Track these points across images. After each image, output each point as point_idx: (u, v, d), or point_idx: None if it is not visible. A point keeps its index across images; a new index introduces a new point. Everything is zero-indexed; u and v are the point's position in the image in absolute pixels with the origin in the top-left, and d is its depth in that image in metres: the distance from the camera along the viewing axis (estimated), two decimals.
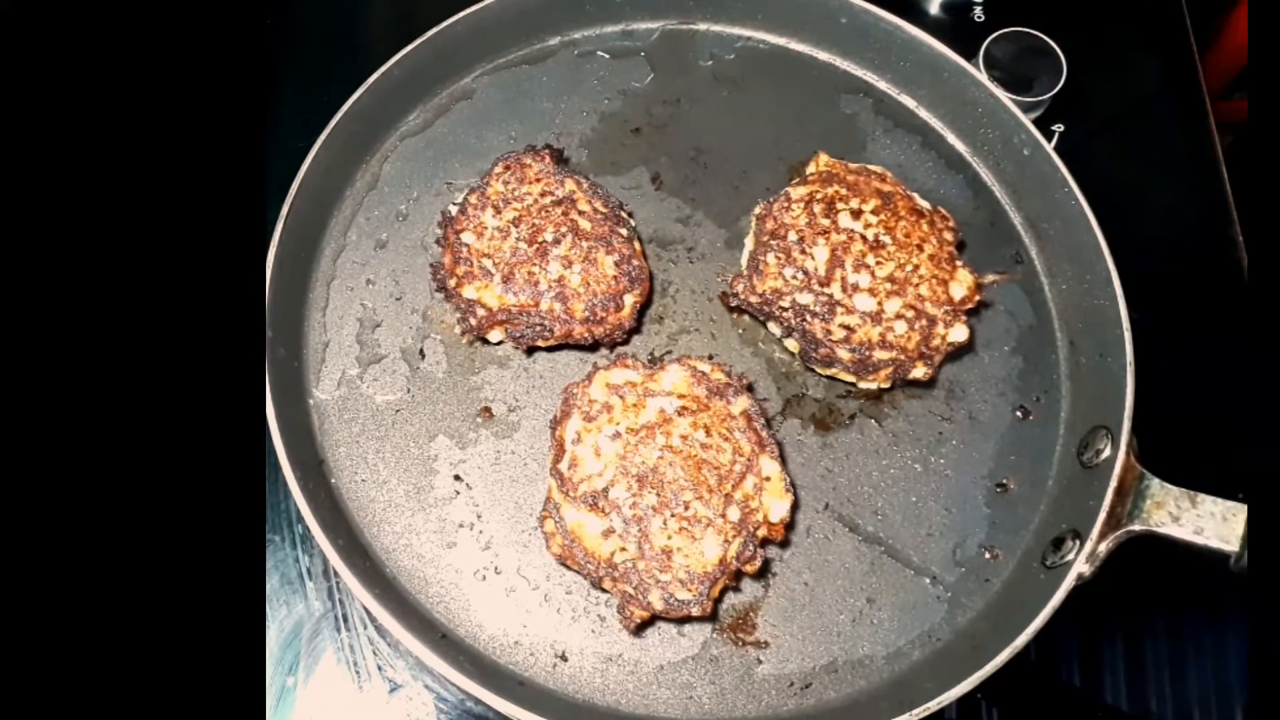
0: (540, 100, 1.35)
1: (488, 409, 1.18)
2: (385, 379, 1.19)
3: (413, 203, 1.28)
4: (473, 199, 1.18)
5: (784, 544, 1.12)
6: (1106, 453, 1.08)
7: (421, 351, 1.21)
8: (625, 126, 1.35)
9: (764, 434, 1.07)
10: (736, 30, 1.41)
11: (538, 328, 1.14)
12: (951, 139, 1.36)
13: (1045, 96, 1.43)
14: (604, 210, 1.18)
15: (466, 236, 1.16)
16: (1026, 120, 1.25)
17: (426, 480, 1.14)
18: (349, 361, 1.19)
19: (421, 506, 1.13)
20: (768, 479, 1.05)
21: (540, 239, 1.14)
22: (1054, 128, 1.50)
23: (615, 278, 1.14)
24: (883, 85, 1.38)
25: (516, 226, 1.15)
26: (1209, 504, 1.01)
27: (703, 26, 1.41)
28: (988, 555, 1.14)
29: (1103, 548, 1.03)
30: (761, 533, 1.04)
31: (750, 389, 1.12)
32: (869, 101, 1.38)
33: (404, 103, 1.32)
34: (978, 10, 1.60)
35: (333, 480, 1.13)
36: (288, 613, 1.20)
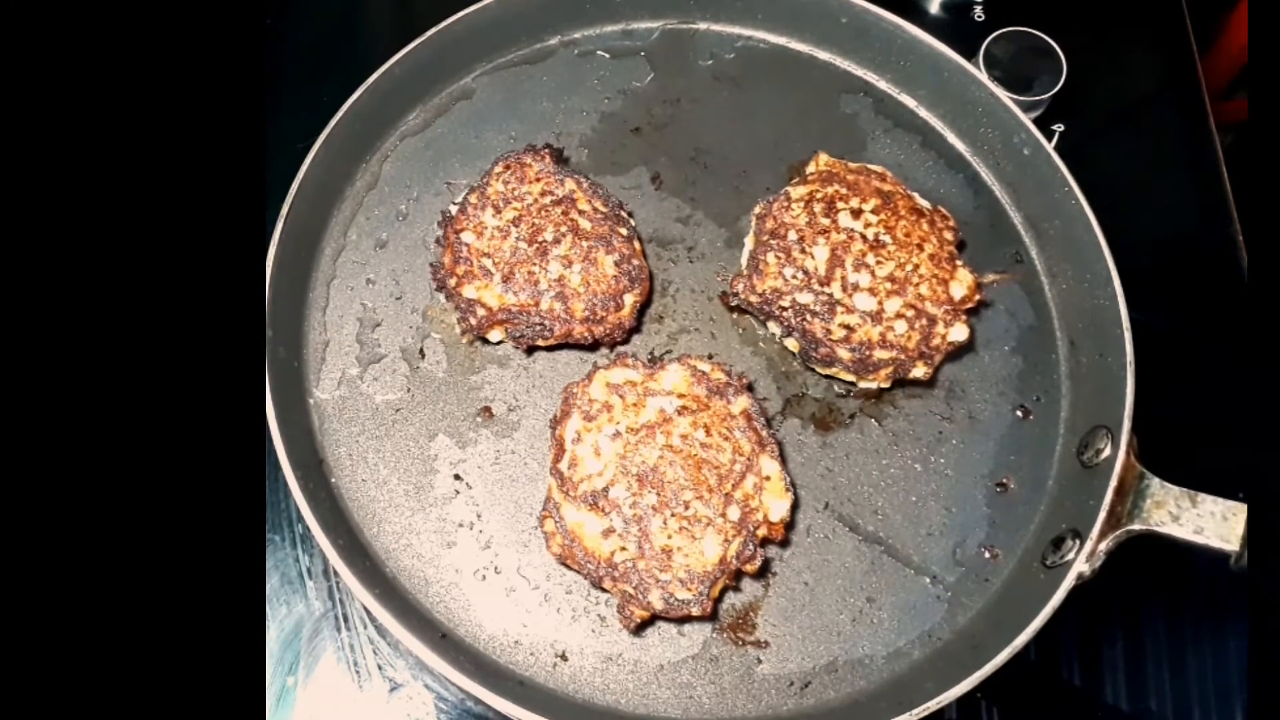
0: (540, 100, 1.35)
1: (488, 409, 1.18)
2: (385, 379, 1.19)
3: (413, 203, 1.28)
4: (473, 198, 1.18)
5: (784, 544, 1.12)
6: (1106, 452, 1.08)
7: (421, 351, 1.21)
8: (625, 126, 1.35)
9: (764, 433, 1.07)
10: (736, 30, 1.41)
11: (538, 327, 1.14)
12: (951, 139, 1.36)
13: (1045, 96, 1.44)
14: (604, 210, 1.18)
15: (466, 236, 1.16)
16: (1026, 120, 1.25)
17: (426, 480, 1.14)
18: (349, 361, 1.20)
19: (421, 506, 1.13)
20: (767, 478, 1.05)
21: (540, 238, 1.14)
22: (1054, 128, 1.50)
23: (615, 277, 1.14)
24: (883, 85, 1.38)
25: (516, 226, 1.15)
26: (1209, 504, 1.01)
27: (703, 26, 1.41)
28: (988, 555, 1.14)
29: (1103, 547, 1.03)
30: (761, 532, 1.04)
31: (750, 389, 1.12)
32: (869, 101, 1.38)
33: (404, 103, 1.32)
34: (978, 10, 1.60)
35: (333, 480, 1.14)
36: (288, 613, 1.20)
